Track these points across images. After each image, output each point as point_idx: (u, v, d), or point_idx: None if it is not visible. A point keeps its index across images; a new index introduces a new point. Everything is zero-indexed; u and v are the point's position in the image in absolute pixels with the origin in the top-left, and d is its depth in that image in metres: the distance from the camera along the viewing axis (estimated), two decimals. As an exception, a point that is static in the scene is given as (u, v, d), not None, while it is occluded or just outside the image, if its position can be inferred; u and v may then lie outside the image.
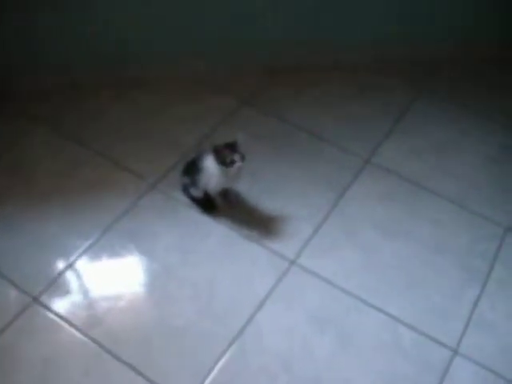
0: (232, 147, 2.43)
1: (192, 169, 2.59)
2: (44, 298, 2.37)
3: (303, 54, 3.35)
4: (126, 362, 2.19)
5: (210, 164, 2.48)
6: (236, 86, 3.33)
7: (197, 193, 2.63)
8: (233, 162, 2.42)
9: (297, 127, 3.10)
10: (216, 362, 2.19)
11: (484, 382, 2.20)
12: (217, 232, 2.61)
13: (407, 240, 2.62)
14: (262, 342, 2.26)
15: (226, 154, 2.42)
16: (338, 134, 3.07)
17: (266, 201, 2.73)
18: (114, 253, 2.53)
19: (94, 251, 2.53)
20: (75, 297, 2.39)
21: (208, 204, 2.67)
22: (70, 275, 2.45)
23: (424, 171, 2.91)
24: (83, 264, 2.49)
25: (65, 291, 2.40)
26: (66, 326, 2.29)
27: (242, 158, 2.43)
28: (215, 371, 2.17)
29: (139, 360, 2.20)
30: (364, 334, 2.30)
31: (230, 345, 2.24)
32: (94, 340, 2.25)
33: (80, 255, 2.51)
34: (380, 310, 2.38)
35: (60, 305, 2.36)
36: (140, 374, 2.16)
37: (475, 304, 2.41)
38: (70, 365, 2.19)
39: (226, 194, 2.69)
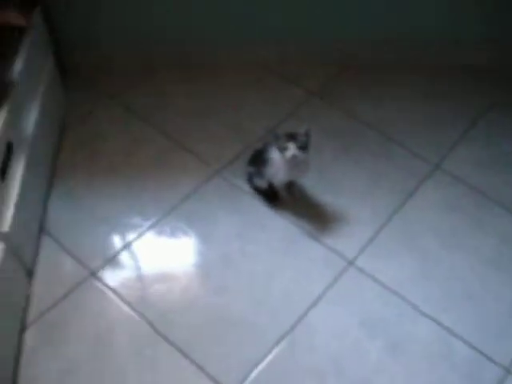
0: (291, 136, 2.39)
1: (258, 159, 2.59)
2: (101, 274, 2.41)
3: (377, 52, 3.28)
4: (175, 344, 2.21)
5: (276, 155, 2.45)
6: (307, 78, 3.29)
7: (261, 183, 2.63)
8: (285, 149, 2.37)
9: (366, 125, 3.05)
10: (265, 356, 2.19)
11: (535, 406, 2.16)
12: (278, 225, 2.60)
13: (468, 252, 2.55)
14: (312, 340, 2.25)
15: (281, 141, 2.38)
16: (407, 136, 3.00)
17: (329, 198, 2.70)
18: (173, 236, 2.56)
19: (154, 232, 2.56)
20: (131, 275, 2.43)
21: (272, 196, 2.66)
22: (127, 253, 2.49)
23: (493, 183, 2.82)
24: (142, 244, 2.52)
25: (121, 269, 2.44)
26: (121, 303, 2.33)
27: (301, 149, 2.37)
28: (263, 364, 2.17)
29: (188, 344, 2.22)
30: (415, 343, 2.27)
31: (280, 340, 2.24)
32: (146, 320, 2.28)
33: (140, 235, 2.55)
34: (434, 320, 2.33)
35: (116, 282, 2.40)
36: (187, 357, 2.18)
37: (534, 325, 2.35)
38: (120, 342, 2.23)
39: (290, 187, 2.67)
